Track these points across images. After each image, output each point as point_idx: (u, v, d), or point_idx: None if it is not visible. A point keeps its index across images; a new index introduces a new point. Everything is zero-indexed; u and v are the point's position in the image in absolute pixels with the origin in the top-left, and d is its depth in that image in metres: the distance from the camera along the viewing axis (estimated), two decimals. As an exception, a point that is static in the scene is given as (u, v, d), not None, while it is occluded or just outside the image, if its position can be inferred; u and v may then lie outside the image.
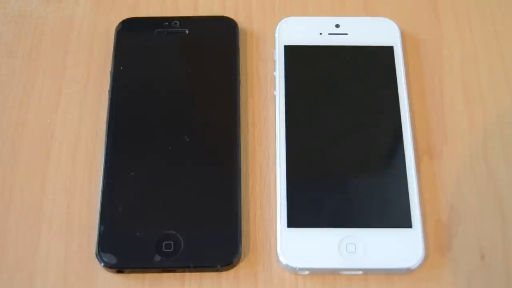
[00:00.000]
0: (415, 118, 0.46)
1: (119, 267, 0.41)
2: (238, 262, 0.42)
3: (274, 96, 0.47)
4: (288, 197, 0.43)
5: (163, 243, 0.41)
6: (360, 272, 0.41)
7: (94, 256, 0.42)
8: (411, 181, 0.43)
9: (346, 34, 0.48)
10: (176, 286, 0.42)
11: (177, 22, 0.49)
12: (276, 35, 0.48)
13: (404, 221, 0.42)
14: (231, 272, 0.42)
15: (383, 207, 0.43)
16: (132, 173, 0.44)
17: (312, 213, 0.43)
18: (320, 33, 0.48)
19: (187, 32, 0.48)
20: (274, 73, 0.47)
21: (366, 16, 0.50)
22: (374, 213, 0.42)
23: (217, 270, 0.42)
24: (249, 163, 0.45)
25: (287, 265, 0.41)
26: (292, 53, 0.47)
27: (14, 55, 0.49)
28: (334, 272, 0.42)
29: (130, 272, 0.42)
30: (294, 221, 0.42)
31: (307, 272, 0.42)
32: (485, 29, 0.50)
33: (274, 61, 0.48)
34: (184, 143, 0.45)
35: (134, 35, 0.49)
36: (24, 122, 0.47)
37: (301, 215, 0.42)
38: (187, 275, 0.42)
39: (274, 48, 0.48)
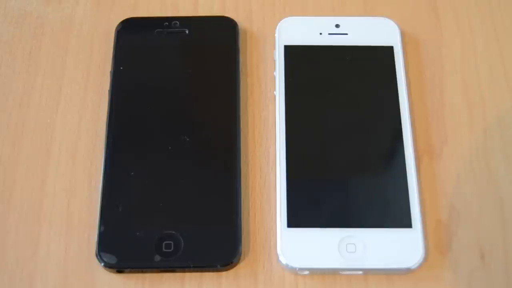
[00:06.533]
0: (415, 118, 0.46)
1: (119, 267, 0.41)
2: (238, 262, 0.42)
3: (274, 96, 0.47)
4: (288, 197, 0.43)
5: (163, 243, 0.41)
6: (360, 272, 0.41)
7: (94, 256, 0.42)
8: (411, 181, 0.43)
9: (346, 34, 0.48)
10: (176, 286, 0.42)
11: (177, 22, 0.49)
12: (276, 35, 0.48)
13: (404, 221, 0.42)
14: (231, 272, 0.42)
15: (383, 207, 0.43)
16: (132, 173, 0.44)
17: (312, 213, 0.43)
18: (320, 33, 0.48)
19: (187, 32, 0.48)
20: (274, 73, 0.47)
21: (366, 16, 0.50)
22: (374, 213, 0.42)
23: (217, 270, 0.42)
24: (249, 163, 0.45)
25: (287, 265, 0.41)
26: (292, 53, 0.47)
27: (14, 55, 0.49)
28: (334, 272, 0.42)
29: (130, 272, 0.42)
30: (294, 221, 0.42)
31: (307, 272, 0.42)
32: (485, 29, 0.50)
33: (274, 61, 0.48)
34: (184, 143, 0.45)
35: (134, 35, 0.49)
36: (24, 122, 0.47)
37: (301, 215, 0.42)
38: (187, 275, 0.42)
39: (274, 48, 0.48)
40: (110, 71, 0.47)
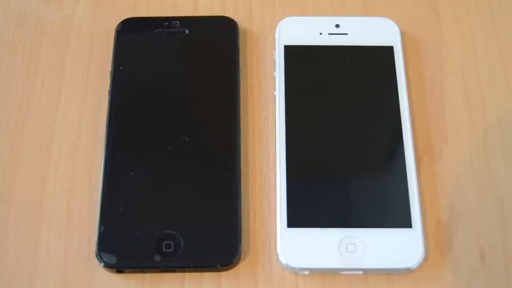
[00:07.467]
0: (415, 118, 0.46)
1: (119, 267, 0.41)
2: (238, 262, 0.42)
3: (274, 96, 0.47)
4: (288, 197, 0.43)
5: (163, 243, 0.41)
6: (360, 272, 0.41)
7: (94, 256, 0.42)
8: (411, 181, 0.43)
9: (346, 34, 0.48)
10: (176, 286, 0.42)
11: (177, 22, 0.49)
12: (276, 35, 0.48)
13: (404, 221, 0.42)
14: (231, 272, 0.42)
15: (383, 207, 0.43)
16: (132, 173, 0.44)
17: (312, 213, 0.43)
18: (320, 33, 0.48)
19: (187, 32, 0.48)
20: (274, 73, 0.47)
21: (366, 16, 0.50)
22: (374, 213, 0.42)
23: (217, 270, 0.42)
24: (249, 163, 0.45)
25: (287, 265, 0.41)
26: (292, 53, 0.47)
27: (14, 55, 0.49)
28: (334, 272, 0.42)
29: (130, 272, 0.42)
30: (294, 221, 0.42)
31: (307, 272, 0.42)
32: (485, 29, 0.50)
33: (274, 61, 0.48)
34: (184, 143, 0.45)
35: (134, 35, 0.49)
36: (24, 122, 0.47)
37: (301, 215, 0.42)
38: (187, 275, 0.42)
39: (274, 48, 0.48)
40: (110, 71, 0.47)
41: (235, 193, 0.43)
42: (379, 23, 0.49)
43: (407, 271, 0.41)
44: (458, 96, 0.47)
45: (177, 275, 0.42)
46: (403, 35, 0.48)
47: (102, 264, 0.41)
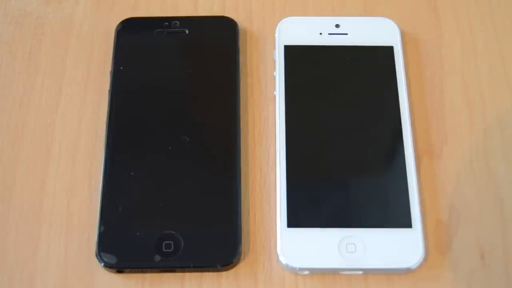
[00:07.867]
0: (415, 118, 0.46)
1: (119, 267, 0.41)
2: (238, 262, 0.42)
3: (274, 96, 0.47)
4: (288, 197, 0.43)
5: (163, 243, 0.41)
6: (360, 272, 0.41)
7: (94, 256, 0.42)
8: (411, 181, 0.43)
9: (346, 34, 0.48)
10: (176, 286, 0.42)
11: (177, 22, 0.49)
12: (276, 35, 0.48)
13: (404, 221, 0.42)
14: (231, 272, 0.42)
15: (383, 207, 0.43)
16: (132, 173, 0.44)
17: (312, 213, 0.43)
18: (320, 33, 0.48)
19: (187, 32, 0.48)
20: (274, 73, 0.47)
21: (366, 16, 0.50)
22: (374, 213, 0.42)
23: (217, 270, 0.42)
24: (249, 163, 0.45)
25: (287, 265, 0.41)
26: (292, 53, 0.47)
27: (14, 55, 0.49)
28: (334, 272, 0.42)
29: (130, 272, 0.42)
30: (294, 221, 0.42)
31: (307, 272, 0.42)
32: (485, 29, 0.50)
33: (274, 61, 0.48)
34: (184, 143, 0.45)
35: (134, 35, 0.49)
36: (24, 122, 0.47)
37: (301, 215, 0.42)
38: (187, 275, 0.42)
39: (274, 48, 0.48)
40: (110, 71, 0.47)
41: (235, 193, 0.43)
42: (379, 23, 0.49)
43: (407, 271, 0.41)
44: (458, 96, 0.47)
45: (177, 275, 0.42)
46: (403, 35, 0.48)
47: (102, 264, 0.41)
